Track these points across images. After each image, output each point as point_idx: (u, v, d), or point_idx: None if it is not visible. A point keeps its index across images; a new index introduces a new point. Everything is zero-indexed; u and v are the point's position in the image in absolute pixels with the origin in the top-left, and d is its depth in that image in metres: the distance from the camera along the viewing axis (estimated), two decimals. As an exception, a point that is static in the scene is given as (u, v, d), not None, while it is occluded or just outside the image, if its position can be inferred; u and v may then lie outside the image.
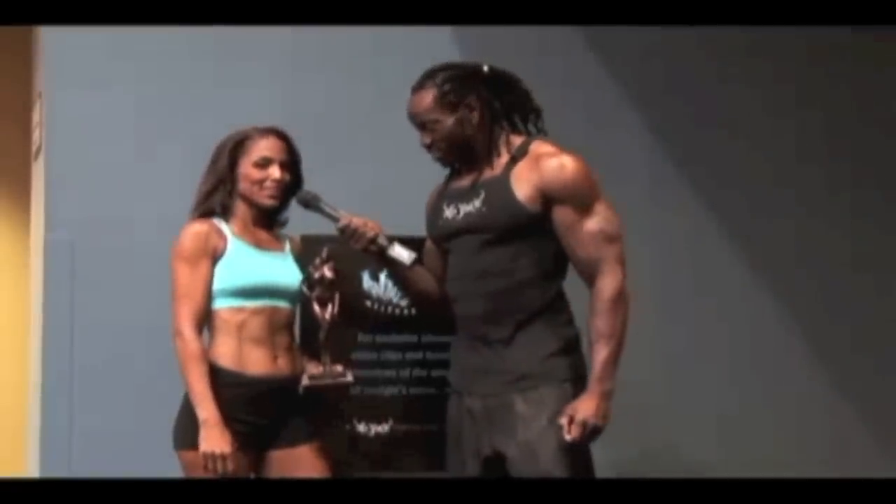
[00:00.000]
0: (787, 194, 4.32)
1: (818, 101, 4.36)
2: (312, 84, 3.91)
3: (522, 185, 3.02)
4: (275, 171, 3.18)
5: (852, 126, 4.39)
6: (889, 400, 4.38)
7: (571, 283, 3.10)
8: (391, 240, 3.16)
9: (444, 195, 3.20)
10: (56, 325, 3.70)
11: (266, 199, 3.19)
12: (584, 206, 3.00)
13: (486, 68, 3.15)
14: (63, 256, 3.70)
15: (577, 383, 3.02)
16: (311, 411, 3.23)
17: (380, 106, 3.93)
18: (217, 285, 3.12)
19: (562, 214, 3.01)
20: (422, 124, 3.13)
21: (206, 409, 3.01)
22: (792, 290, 4.32)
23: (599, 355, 2.98)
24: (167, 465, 3.11)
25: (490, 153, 3.10)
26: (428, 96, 3.11)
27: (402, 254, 3.15)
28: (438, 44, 3.90)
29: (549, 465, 2.95)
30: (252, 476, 3.14)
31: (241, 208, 3.21)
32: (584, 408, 2.94)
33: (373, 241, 3.15)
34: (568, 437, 2.92)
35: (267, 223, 3.26)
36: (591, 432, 2.94)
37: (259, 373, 3.12)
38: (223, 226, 3.17)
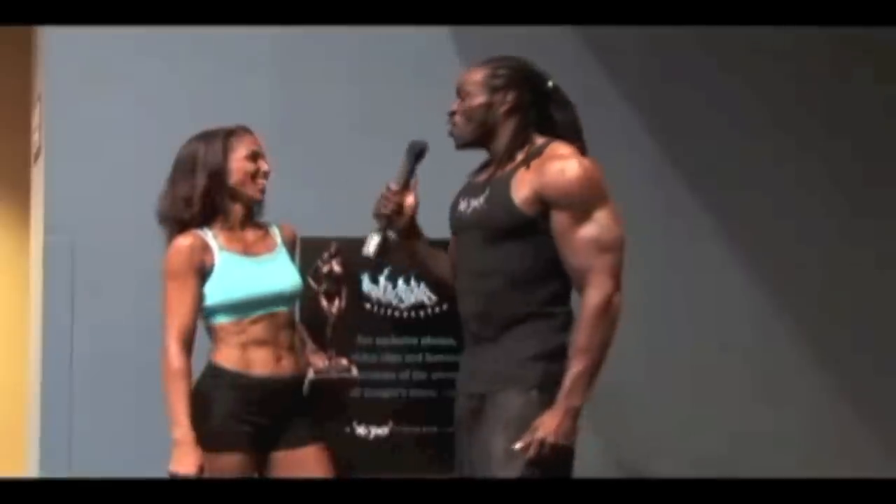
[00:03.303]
0: (788, 194, 4.32)
1: (819, 101, 4.36)
2: (313, 84, 3.91)
3: (522, 187, 2.98)
4: (264, 164, 3.19)
5: (854, 126, 4.38)
6: (889, 400, 4.38)
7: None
8: (384, 229, 3.14)
9: (464, 188, 3.17)
10: (55, 326, 3.70)
11: (258, 193, 3.19)
12: (581, 213, 2.94)
13: (550, 83, 3.12)
14: (63, 258, 3.70)
15: (547, 391, 2.94)
16: (314, 412, 3.23)
17: (379, 106, 3.93)
18: (211, 301, 3.11)
19: (558, 219, 2.96)
20: (458, 90, 3.11)
21: (181, 429, 3.00)
22: (792, 290, 4.32)
23: (572, 369, 2.90)
24: (167, 465, 3.10)
25: (507, 152, 3.06)
26: (479, 72, 3.09)
27: (369, 244, 3.13)
28: (438, 44, 3.91)
29: (496, 469, 2.93)
30: (255, 476, 3.14)
31: (230, 208, 3.18)
32: (545, 425, 2.88)
33: (377, 214, 3.15)
34: (527, 455, 2.87)
35: (250, 221, 3.23)
36: (551, 450, 2.88)
37: (263, 373, 3.12)
38: (209, 238, 3.14)
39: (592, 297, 2.91)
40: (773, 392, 4.26)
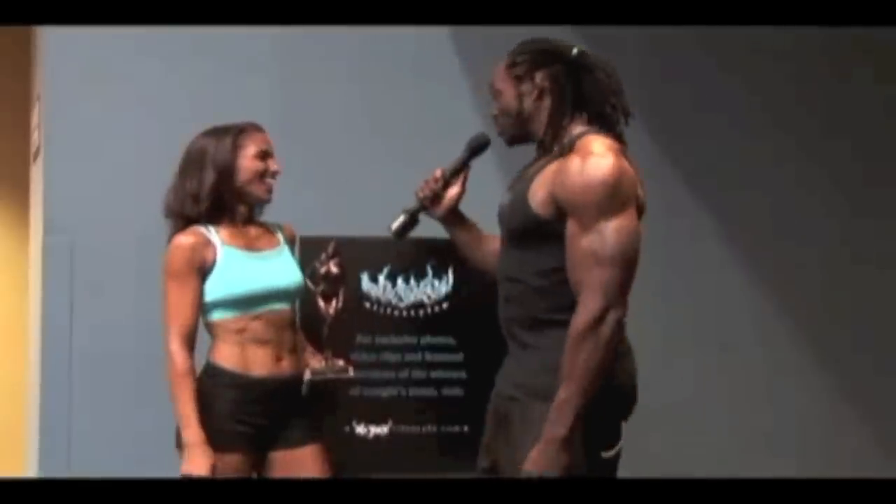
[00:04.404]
0: (788, 194, 4.32)
1: (819, 101, 4.36)
2: (313, 84, 3.91)
3: (541, 187, 2.81)
4: (273, 164, 3.19)
5: (854, 126, 4.39)
6: (889, 400, 4.38)
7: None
8: (414, 211, 3.17)
9: (513, 179, 3.03)
10: (55, 325, 3.70)
11: (264, 191, 3.18)
12: (588, 221, 2.73)
13: (575, 51, 2.91)
14: (62, 258, 3.70)
15: None
16: (313, 412, 3.23)
17: (379, 106, 3.93)
18: (211, 297, 3.11)
19: (568, 225, 2.76)
20: (491, 93, 3.00)
21: (191, 432, 3.01)
22: (792, 290, 4.32)
23: (558, 397, 2.72)
24: (167, 465, 3.11)
25: (548, 140, 2.90)
26: (501, 68, 2.96)
27: (394, 222, 3.18)
28: (438, 44, 3.91)
29: None
30: (254, 476, 3.14)
31: (236, 206, 3.18)
32: (530, 459, 2.76)
33: (415, 194, 3.17)
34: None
35: (252, 218, 3.22)
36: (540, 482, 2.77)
37: (262, 374, 3.12)
38: (212, 234, 3.13)
39: (577, 316, 2.72)
40: (773, 392, 4.27)
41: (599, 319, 2.71)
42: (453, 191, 3.19)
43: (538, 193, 2.82)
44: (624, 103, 2.92)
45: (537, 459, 2.75)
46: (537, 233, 2.83)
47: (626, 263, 2.76)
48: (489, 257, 3.15)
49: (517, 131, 2.97)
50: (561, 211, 2.78)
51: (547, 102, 2.91)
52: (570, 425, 2.73)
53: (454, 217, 3.23)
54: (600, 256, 2.72)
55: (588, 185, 2.72)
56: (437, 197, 3.18)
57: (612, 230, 2.73)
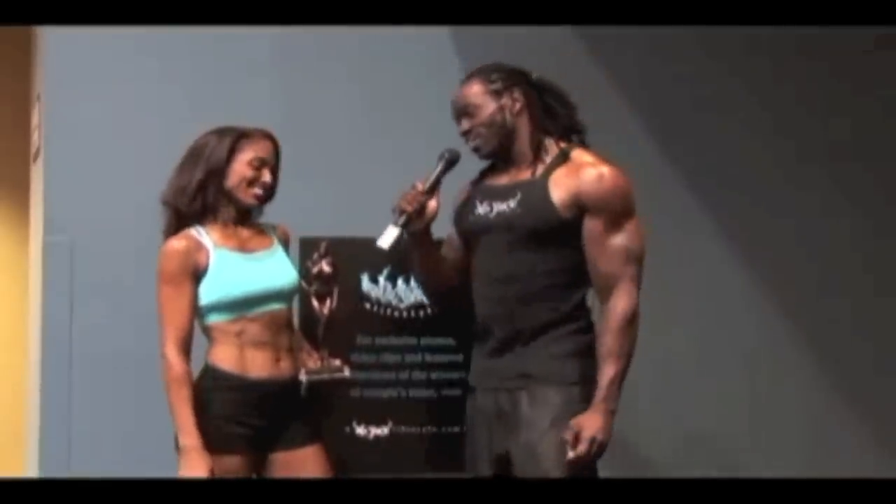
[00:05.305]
0: (788, 194, 4.32)
1: (819, 101, 4.36)
2: (313, 85, 3.91)
3: (559, 190, 3.03)
4: (267, 175, 3.17)
5: (854, 126, 4.38)
6: (889, 400, 4.38)
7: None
8: (403, 225, 3.13)
9: (479, 190, 3.19)
10: (55, 326, 3.70)
11: (252, 198, 3.15)
12: (614, 221, 3.02)
13: (535, 75, 3.18)
14: (62, 258, 3.70)
15: (586, 386, 3.01)
16: (312, 413, 3.23)
17: (380, 106, 3.93)
18: (206, 300, 3.10)
19: (591, 225, 3.03)
20: (463, 110, 3.14)
21: (188, 436, 3.00)
22: (792, 290, 4.32)
23: (606, 374, 2.99)
24: (167, 465, 3.10)
25: (529, 153, 3.11)
26: (475, 85, 3.14)
27: (385, 237, 3.13)
28: (438, 44, 3.91)
29: (549, 468, 2.95)
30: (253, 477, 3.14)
31: (222, 208, 3.17)
32: (591, 424, 2.94)
33: (399, 209, 3.15)
34: (572, 454, 2.92)
35: (245, 221, 3.21)
36: (598, 448, 2.95)
37: (261, 376, 3.11)
38: (203, 237, 3.12)
39: (622, 303, 3.01)
40: (773, 392, 4.27)
41: (637, 307, 3.04)
42: (432, 204, 3.20)
43: (559, 196, 3.04)
44: (580, 121, 3.19)
45: (603, 428, 2.95)
46: (552, 234, 3.03)
47: (642, 259, 3.08)
48: (450, 269, 3.29)
49: (498, 143, 3.14)
50: (580, 212, 3.02)
51: (527, 115, 3.12)
52: (618, 400, 3.01)
53: (427, 233, 3.24)
54: (631, 252, 3.04)
55: (616, 188, 3.03)
56: (422, 209, 3.18)
57: (636, 229, 3.06)
